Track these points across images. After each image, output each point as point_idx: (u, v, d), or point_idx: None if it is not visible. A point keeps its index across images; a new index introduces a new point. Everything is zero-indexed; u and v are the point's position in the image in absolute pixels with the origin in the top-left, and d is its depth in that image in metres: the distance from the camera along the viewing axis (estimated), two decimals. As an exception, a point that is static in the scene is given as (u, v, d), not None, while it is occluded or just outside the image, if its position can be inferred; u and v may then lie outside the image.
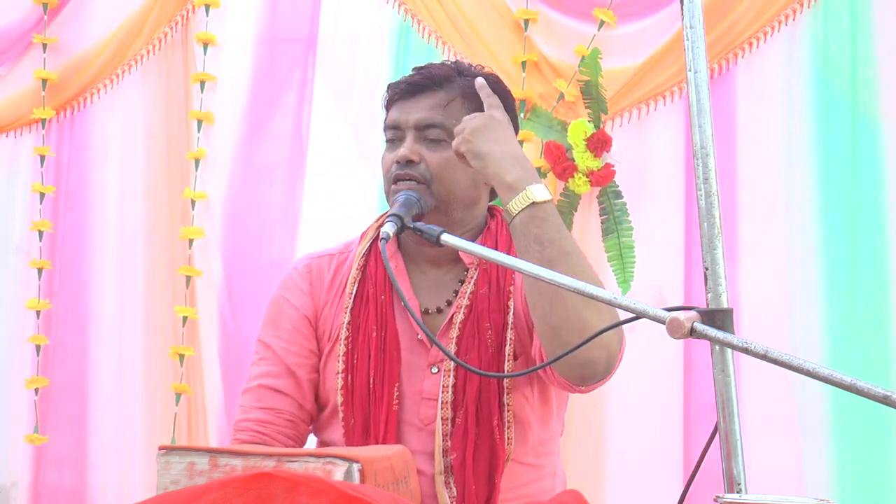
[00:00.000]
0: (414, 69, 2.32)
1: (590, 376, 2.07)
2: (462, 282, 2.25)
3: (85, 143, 4.18)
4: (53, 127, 4.16)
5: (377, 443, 2.18)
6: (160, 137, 4.10)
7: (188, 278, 3.99)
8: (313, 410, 2.29)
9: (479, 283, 2.22)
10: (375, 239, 2.30)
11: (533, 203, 2.04)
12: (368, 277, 2.26)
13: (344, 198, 3.91)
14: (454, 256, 2.26)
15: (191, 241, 4.01)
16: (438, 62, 2.34)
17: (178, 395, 3.96)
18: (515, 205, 2.05)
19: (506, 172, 2.07)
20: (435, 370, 2.21)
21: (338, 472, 1.62)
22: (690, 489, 1.80)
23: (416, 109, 2.23)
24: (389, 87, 2.30)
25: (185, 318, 3.98)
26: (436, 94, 2.24)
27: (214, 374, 3.98)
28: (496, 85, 2.29)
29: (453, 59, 2.49)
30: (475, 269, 2.24)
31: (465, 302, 2.21)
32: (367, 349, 2.21)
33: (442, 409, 2.18)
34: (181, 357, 3.97)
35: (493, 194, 2.32)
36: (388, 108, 2.29)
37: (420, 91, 2.25)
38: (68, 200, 4.16)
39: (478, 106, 2.25)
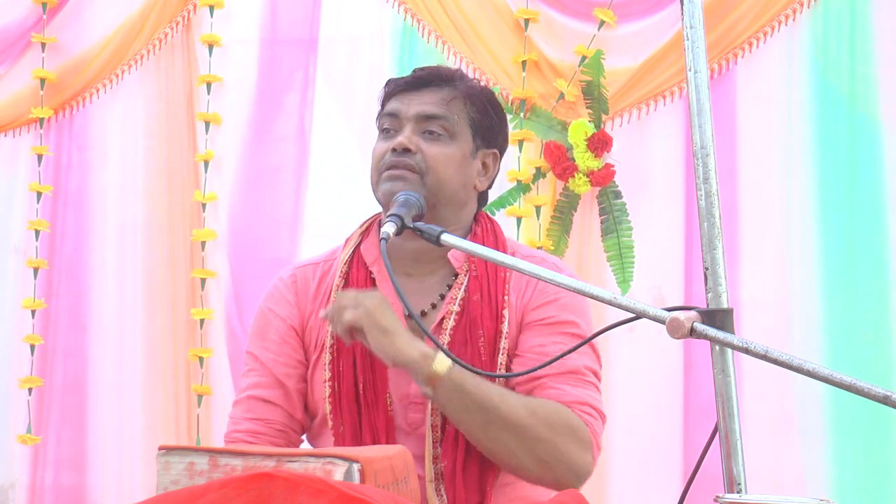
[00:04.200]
0: (415, 69, 2.32)
1: (563, 490, 2.10)
2: (450, 286, 2.23)
3: (84, 142, 4.18)
4: (52, 126, 4.16)
5: None
6: (160, 137, 4.10)
7: (203, 280, 4.00)
8: (304, 420, 2.28)
9: (471, 290, 2.20)
10: (358, 245, 2.28)
11: (452, 364, 2.05)
12: (351, 284, 2.24)
13: (348, 199, 3.90)
14: (438, 259, 2.24)
15: (203, 243, 4.02)
16: (441, 65, 2.35)
17: (200, 397, 3.97)
18: (439, 365, 2.05)
19: (412, 347, 2.06)
20: None
21: (338, 472, 1.62)
22: (690, 489, 1.80)
23: (418, 102, 2.23)
24: (390, 81, 2.30)
25: (202, 321, 3.99)
26: (440, 89, 2.24)
27: (223, 374, 3.98)
28: (492, 98, 2.30)
29: (455, 67, 2.50)
30: (465, 275, 2.22)
31: (456, 308, 2.19)
32: (352, 356, 2.20)
33: (432, 415, 2.17)
34: (201, 359, 3.98)
35: (480, 202, 2.32)
36: (385, 101, 2.29)
37: (424, 85, 2.25)
38: (67, 200, 4.15)
39: (479, 108, 2.25)
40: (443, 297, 2.22)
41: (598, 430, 2.19)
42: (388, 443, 2.16)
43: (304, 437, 2.33)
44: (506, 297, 2.20)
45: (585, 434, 2.15)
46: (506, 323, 2.19)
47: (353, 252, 2.28)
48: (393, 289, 2.16)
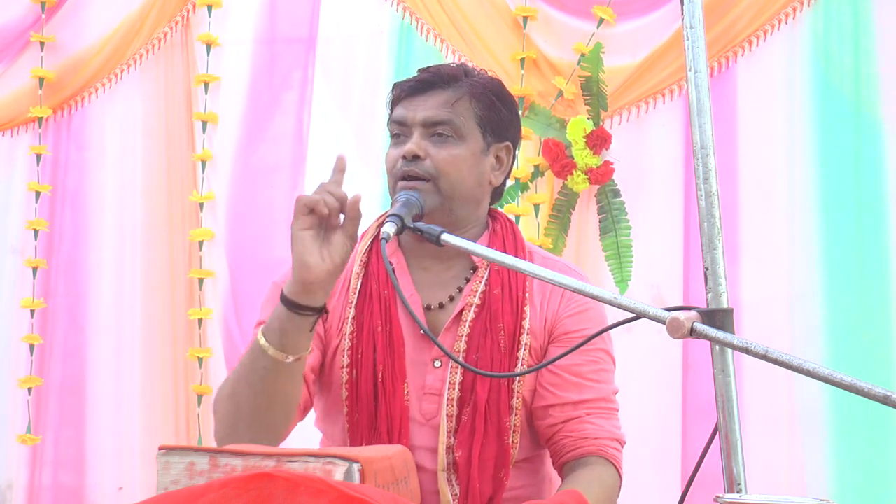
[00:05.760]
0: (420, 70, 2.31)
1: None
2: (468, 279, 2.25)
3: (82, 142, 4.17)
4: (50, 126, 4.16)
5: (384, 437, 2.18)
6: (159, 137, 4.10)
7: (200, 280, 3.99)
8: (306, 396, 2.27)
9: (493, 283, 2.22)
10: (376, 237, 2.29)
11: None
12: (371, 274, 2.26)
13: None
14: (458, 252, 2.25)
15: (201, 242, 4.01)
16: (445, 63, 2.34)
17: (200, 397, 3.96)
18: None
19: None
20: (438, 364, 2.21)
21: (338, 472, 1.62)
22: (690, 489, 1.79)
23: (424, 106, 2.23)
24: (396, 85, 2.30)
25: (200, 321, 3.98)
26: (444, 91, 2.24)
27: (222, 374, 3.98)
28: (500, 90, 2.30)
29: (458, 62, 2.49)
30: (486, 269, 2.24)
31: (476, 300, 2.21)
32: (373, 344, 2.21)
33: (447, 405, 2.18)
34: (200, 360, 3.97)
35: (494, 196, 2.33)
36: (393, 105, 2.29)
37: (428, 88, 2.25)
38: (65, 199, 4.15)
39: (485, 105, 2.25)
40: (461, 290, 2.24)
41: (621, 460, 2.22)
42: (401, 432, 2.18)
43: (304, 419, 2.32)
44: (527, 295, 2.22)
45: (618, 482, 2.19)
46: (527, 319, 2.21)
47: (371, 243, 2.29)
48: (411, 280, 2.23)
